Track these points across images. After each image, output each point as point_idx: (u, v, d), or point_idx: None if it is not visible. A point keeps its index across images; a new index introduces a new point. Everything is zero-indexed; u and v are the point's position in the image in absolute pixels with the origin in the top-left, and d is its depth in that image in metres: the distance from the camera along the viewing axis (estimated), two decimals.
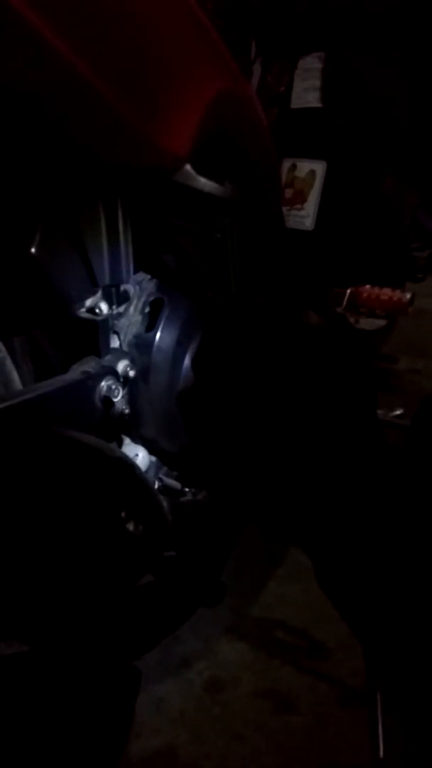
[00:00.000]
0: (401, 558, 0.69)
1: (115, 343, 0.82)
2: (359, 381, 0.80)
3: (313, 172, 1.31)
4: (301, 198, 1.33)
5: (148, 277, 0.85)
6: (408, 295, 1.34)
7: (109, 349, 0.79)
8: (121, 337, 0.83)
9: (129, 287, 0.81)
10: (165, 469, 0.94)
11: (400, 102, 1.28)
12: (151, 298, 0.84)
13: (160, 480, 0.93)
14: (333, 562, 0.75)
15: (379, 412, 1.01)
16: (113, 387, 0.77)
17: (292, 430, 0.79)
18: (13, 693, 0.75)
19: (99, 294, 0.76)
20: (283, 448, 0.80)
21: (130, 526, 0.66)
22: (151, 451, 0.90)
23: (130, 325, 0.83)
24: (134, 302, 0.83)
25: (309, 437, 0.78)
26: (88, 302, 0.75)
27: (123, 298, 0.81)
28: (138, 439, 0.88)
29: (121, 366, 0.79)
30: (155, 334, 0.82)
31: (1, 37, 0.46)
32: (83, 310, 0.75)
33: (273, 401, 0.82)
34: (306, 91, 1.29)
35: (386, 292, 1.34)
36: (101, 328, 0.76)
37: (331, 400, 0.78)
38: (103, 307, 0.76)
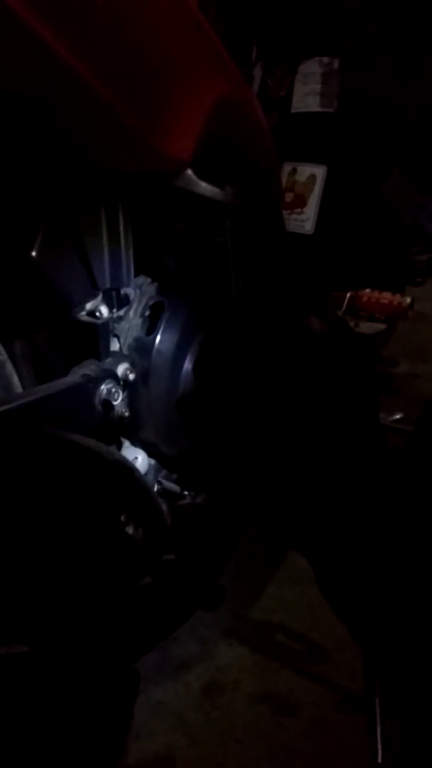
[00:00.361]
0: (402, 562, 0.69)
1: (115, 346, 0.82)
2: (360, 386, 0.80)
3: (313, 176, 1.32)
4: (301, 202, 1.33)
5: (149, 280, 0.86)
6: (408, 299, 1.35)
7: (109, 353, 0.79)
8: (121, 341, 0.83)
9: (129, 291, 0.82)
10: (164, 472, 0.94)
11: (403, 105, 1.28)
12: (152, 302, 0.84)
13: (160, 483, 0.94)
14: (333, 567, 0.75)
15: (379, 416, 1.01)
16: (113, 390, 0.77)
17: (292, 435, 0.79)
18: (12, 695, 0.75)
19: (99, 297, 0.76)
20: (283, 452, 0.80)
21: (130, 530, 0.66)
22: (150, 454, 0.90)
23: (130, 328, 0.83)
24: (134, 306, 0.83)
25: (309, 442, 0.78)
26: (89, 305, 0.75)
27: (123, 302, 0.81)
28: (137, 442, 0.88)
29: (121, 369, 0.80)
30: (155, 338, 0.82)
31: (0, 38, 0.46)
32: (83, 313, 0.75)
33: (273, 405, 0.82)
34: (306, 96, 1.30)
35: (386, 296, 1.34)
36: (101, 332, 0.76)
37: (331, 405, 0.78)
38: (104, 310, 0.77)
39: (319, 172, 1.31)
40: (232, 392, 0.86)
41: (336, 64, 1.26)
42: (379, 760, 0.96)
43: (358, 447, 0.77)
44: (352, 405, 0.79)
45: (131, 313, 0.83)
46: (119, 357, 0.81)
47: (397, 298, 1.34)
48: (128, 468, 0.69)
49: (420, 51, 1.21)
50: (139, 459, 0.89)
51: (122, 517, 0.65)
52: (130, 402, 0.82)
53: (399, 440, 0.89)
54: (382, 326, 1.86)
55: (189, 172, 0.76)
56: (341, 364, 0.82)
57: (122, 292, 0.80)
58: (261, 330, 0.88)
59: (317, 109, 1.29)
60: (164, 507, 0.76)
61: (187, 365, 0.87)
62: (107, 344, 0.78)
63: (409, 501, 0.71)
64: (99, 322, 0.75)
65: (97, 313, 0.76)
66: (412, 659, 0.72)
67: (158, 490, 0.93)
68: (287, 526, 0.90)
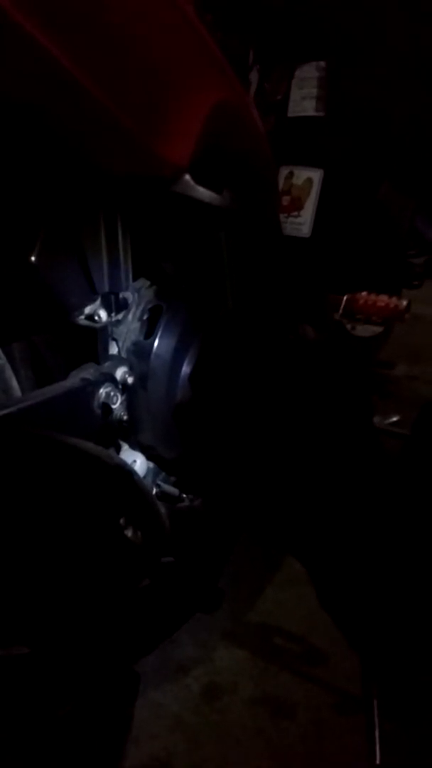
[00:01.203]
0: (399, 566, 0.70)
1: (113, 349, 0.82)
2: (354, 394, 0.81)
3: (310, 180, 1.32)
4: (298, 205, 1.34)
5: (147, 284, 0.86)
6: (404, 302, 1.35)
7: (107, 356, 0.79)
8: (120, 344, 0.83)
9: (128, 294, 0.82)
10: (162, 475, 0.95)
11: (397, 110, 1.29)
12: (150, 306, 0.84)
13: (158, 486, 0.94)
14: (330, 572, 0.75)
15: (375, 419, 1.02)
16: (112, 394, 0.77)
17: (288, 440, 0.80)
18: (11, 697, 0.75)
19: (98, 301, 0.76)
20: (280, 457, 0.81)
21: (129, 533, 0.66)
22: (148, 457, 0.90)
23: (128, 332, 0.84)
24: (133, 309, 0.84)
25: (306, 448, 0.78)
26: (88, 309, 0.75)
27: (122, 306, 0.81)
28: (136, 446, 0.89)
29: (120, 373, 0.80)
30: (153, 341, 0.83)
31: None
32: (82, 317, 0.75)
33: (268, 414, 0.82)
34: (303, 100, 1.30)
35: (383, 299, 1.35)
36: (100, 335, 0.76)
37: (327, 411, 0.78)
38: (102, 314, 0.77)
39: (316, 175, 1.32)
40: (228, 402, 0.86)
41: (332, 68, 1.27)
42: (378, 762, 0.96)
43: (353, 454, 0.78)
44: (347, 412, 0.79)
45: (130, 316, 0.84)
46: (118, 360, 0.81)
47: (394, 300, 1.35)
48: (127, 471, 0.70)
49: (414, 56, 1.22)
50: (138, 462, 0.89)
51: (121, 520, 0.66)
52: (129, 405, 0.82)
53: (396, 443, 0.89)
54: (378, 329, 1.87)
55: (187, 176, 0.76)
56: (336, 373, 0.82)
57: (121, 296, 0.80)
58: (256, 340, 0.88)
59: (313, 113, 1.30)
60: (163, 510, 0.77)
61: (185, 369, 0.87)
62: (106, 348, 0.79)
63: (407, 505, 0.72)
64: (98, 325, 0.76)
65: (96, 317, 0.76)
66: (411, 661, 0.72)
67: (157, 493, 0.93)
68: (283, 532, 0.90)
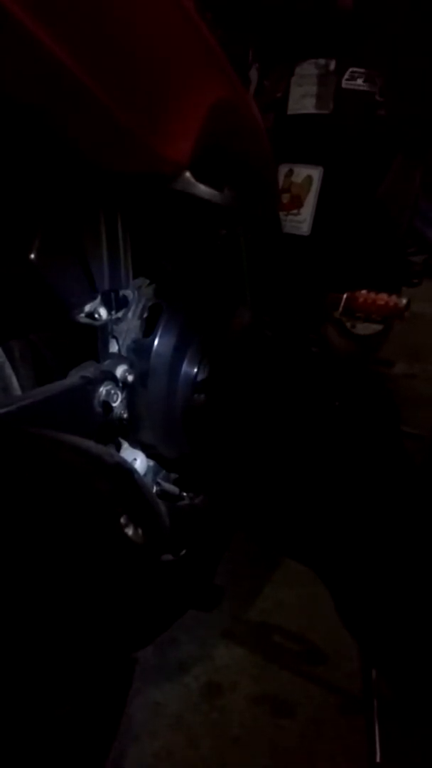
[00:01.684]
0: (411, 567, 0.69)
1: (114, 348, 0.82)
2: (383, 402, 0.80)
3: (309, 178, 1.32)
4: (297, 203, 1.34)
5: (147, 282, 0.86)
6: (404, 300, 1.35)
7: (108, 354, 0.79)
8: (120, 342, 0.83)
9: (128, 292, 0.82)
10: (163, 473, 0.94)
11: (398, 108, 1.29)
12: (150, 303, 0.84)
13: (158, 484, 0.94)
14: (346, 575, 0.75)
15: None
16: (112, 392, 0.77)
17: (296, 445, 0.79)
18: (9, 697, 0.75)
19: (98, 299, 0.76)
20: (285, 461, 0.80)
21: (130, 531, 0.66)
22: (148, 456, 0.90)
23: (128, 330, 0.83)
24: (133, 307, 0.84)
25: (314, 457, 0.78)
26: (87, 307, 0.75)
27: (122, 304, 0.81)
28: (136, 444, 0.89)
29: (120, 371, 0.80)
30: (154, 339, 0.83)
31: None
32: (82, 315, 0.75)
33: (291, 415, 0.82)
34: (303, 98, 1.30)
35: (382, 297, 1.35)
36: (100, 333, 0.76)
37: (355, 420, 0.78)
38: (102, 312, 0.76)
39: (316, 173, 1.32)
40: (237, 403, 0.85)
41: (332, 66, 1.27)
42: (378, 760, 0.97)
43: (379, 463, 0.77)
44: (374, 421, 0.79)
45: (130, 314, 0.83)
46: (118, 359, 0.81)
47: (394, 299, 1.35)
48: (127, 469, 0.69)
49: (415, 55, 1.22)
50: (138, 460, 0.89)
51: (123, 519, 0.66)
52: (129, 403, 0.82)
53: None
54: (378, 327, 1.86)
55: (187, 174, 0.76)
56: (357, 384, 0.81)
57: (121, 293, 0.80)
58: (277, 338, 0.87)
59: (313, 110, 1.30)
60: (163, 508, 0.76)
61: (186, 367, 0.87)
62: (106, 346, 0.79)
63: (426, 508, 0.71)
64: (98, 323, 0.75)
65: (96, 315, 0.76)
66: (414, 661, 0.72)
67: (157, 491, 0.93)
68: (283, 533, 0.90)
